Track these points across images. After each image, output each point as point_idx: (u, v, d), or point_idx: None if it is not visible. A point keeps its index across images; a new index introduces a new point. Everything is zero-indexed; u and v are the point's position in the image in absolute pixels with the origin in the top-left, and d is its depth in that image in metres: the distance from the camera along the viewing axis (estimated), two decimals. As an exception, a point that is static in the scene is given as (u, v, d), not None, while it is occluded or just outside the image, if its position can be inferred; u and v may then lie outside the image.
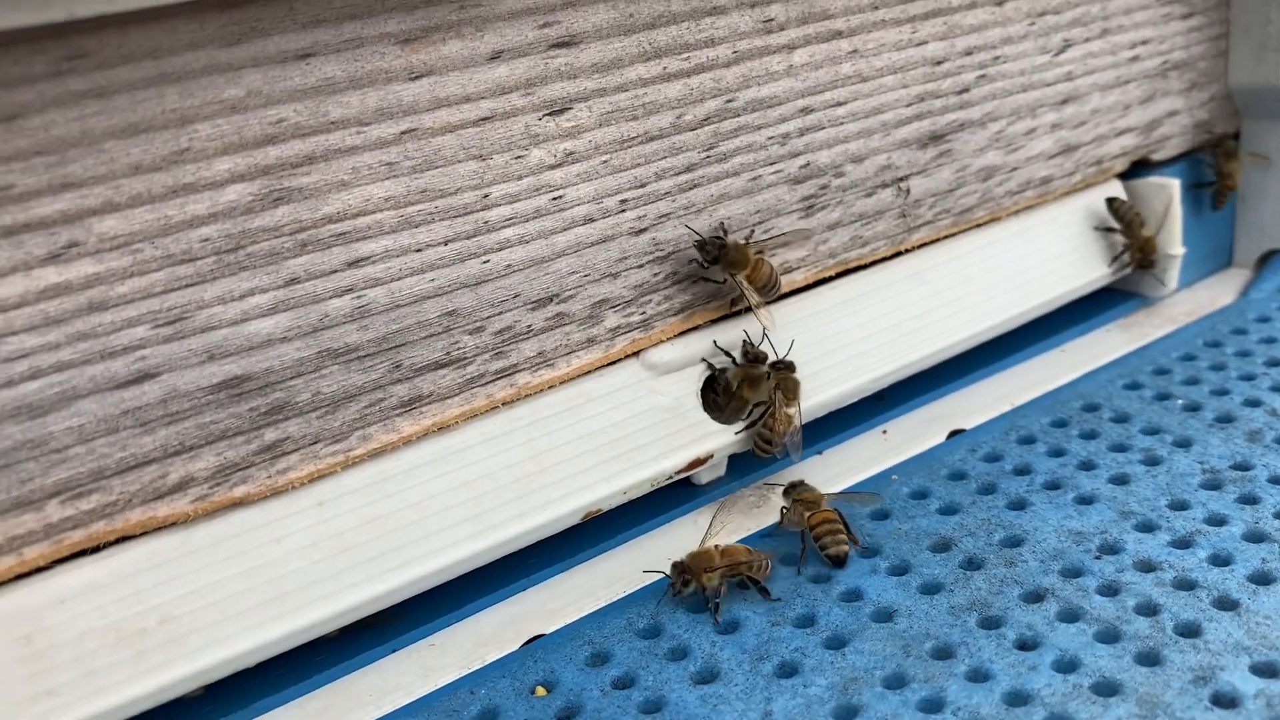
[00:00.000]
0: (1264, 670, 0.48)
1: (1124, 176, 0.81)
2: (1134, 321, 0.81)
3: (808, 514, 0.57)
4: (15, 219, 0.43)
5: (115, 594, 0.47)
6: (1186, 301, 0.84)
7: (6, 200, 0.43)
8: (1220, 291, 0.86)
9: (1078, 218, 0.77)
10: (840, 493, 0.62)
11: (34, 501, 0.45)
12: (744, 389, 0.61)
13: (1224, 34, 0.83)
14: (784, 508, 0.59)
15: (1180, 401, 0.71)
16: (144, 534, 0.48)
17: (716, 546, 0.55)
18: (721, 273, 0.60)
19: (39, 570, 0.46)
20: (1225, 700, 0.47)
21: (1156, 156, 0.82)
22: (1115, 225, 0.78)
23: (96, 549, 0.47)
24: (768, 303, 0.61)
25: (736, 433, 0.62)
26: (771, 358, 0.62)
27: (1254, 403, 0.70)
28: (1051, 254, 0.75)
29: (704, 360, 0.62)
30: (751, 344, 0.61)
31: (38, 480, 0.45)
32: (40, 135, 0.43)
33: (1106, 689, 0.48)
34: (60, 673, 0.46)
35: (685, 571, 0.55)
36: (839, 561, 0.56)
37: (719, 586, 0.54)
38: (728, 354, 0.62)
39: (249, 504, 0.50)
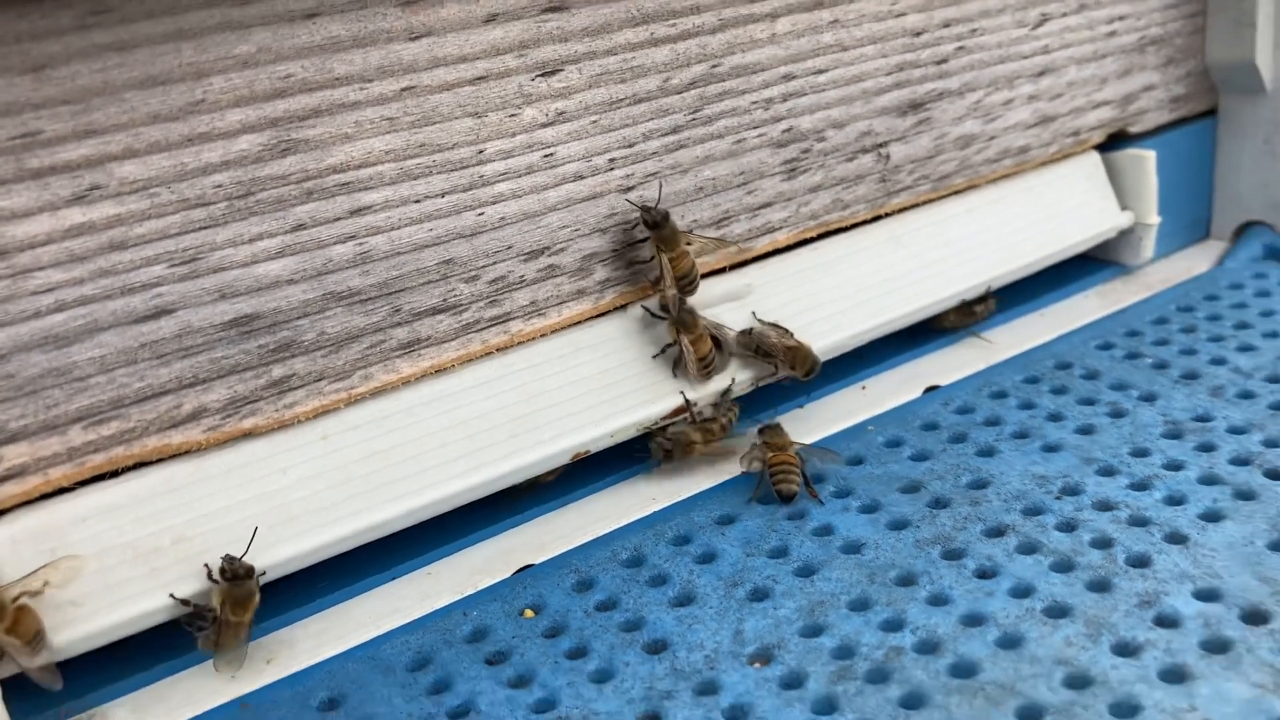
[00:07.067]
0: (1206, 595, 0.51)
1: (1102, 149, 0.84)
2: (1111, 289, 0.84)
3: (770, 454, 0.61)
4: (43, 162, 0.47)
5: (133, 515, 0.51)
6: (1164, 270, 0.87)
7: (35, 145, 0.46)
8: (1197, 261, 0.88)
9: (1055, 187, 0.80)
10: (809, 445, 0.65)
11: (58, 426, 0.49)
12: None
13: (1201, 10, 0.85)
14: (753, 443, 0.63)
15: (1149, 360, 0.74)
16: (159, 460, 0.52)
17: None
18: (652, 246, 0.62)
19: (63, 491, 0.50)
20: (1167, 621, 0.50)
21: (1134, 129, 0.85)
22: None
23: (116, 473, 0.51)
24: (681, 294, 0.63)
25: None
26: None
27: (1219, 361, 0.73)
28: (1028, 221, 0.78)
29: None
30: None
31: (62, 406, 0.49)
32: (66, 85, 0.47)
33: (1057, 611, 0.52)
34: (85, 584, 0.50)
35: None
36: (787, 498, 0.60)
37: None
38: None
39: (257, 435, 0.54)
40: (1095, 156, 0.83)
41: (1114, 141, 0.85)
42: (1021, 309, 0.81)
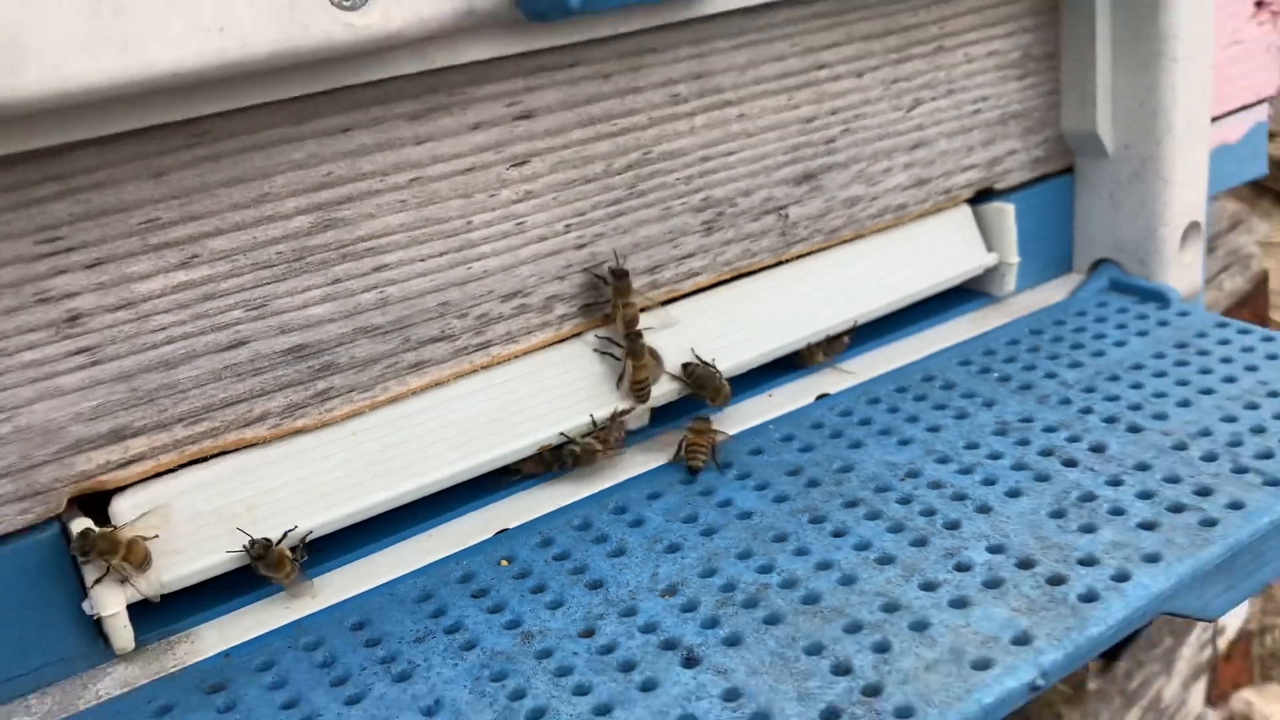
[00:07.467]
0: (995, 549, 0.71)
1: (972, 202, 1.04)
2: (980, 315, 1.04)
3: (690, 437, 0.81)
4: (160, 239, 0.66)
5: (217, 490, 0.71)
6: (1027, 299, 1.07)
7: (154, 227, 0.66)
8: (1056, 292, 1.08)
9: (930, 235, 1.00)
10: (729, 434, 0.85)
11: (166, 424, 0.69)
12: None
13: (1055, 89, 1.05)
14: (683, 429, 0.83)
15: (996, 374, 0.93)
16: (236, 450, 0.72)
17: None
18: (610, 292, 0.82)
19: (169, 471, 0.70)
20: (963, 567, 0.69)
21: (999, 186, 1.05)
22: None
23: (205, 459, 0.71)
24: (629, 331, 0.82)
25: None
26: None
27: (1051, 375, 0.92)
28: (907, 263, 0.98)
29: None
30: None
31: (170, 410, 0.69)
32: (175, 185, 0.66)
33: (885, 560, 0.71)
34: (183, 539, 0.69)
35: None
36: (692, 471, 0.81)
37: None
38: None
39: (306, 432, 0.74)
40: (966, 209, 1.03)
41: (983, 196, 1.05)
42: (903, 332, 1.00)
